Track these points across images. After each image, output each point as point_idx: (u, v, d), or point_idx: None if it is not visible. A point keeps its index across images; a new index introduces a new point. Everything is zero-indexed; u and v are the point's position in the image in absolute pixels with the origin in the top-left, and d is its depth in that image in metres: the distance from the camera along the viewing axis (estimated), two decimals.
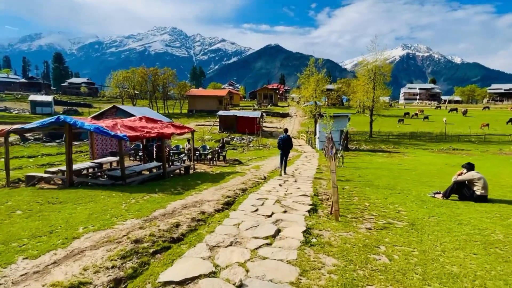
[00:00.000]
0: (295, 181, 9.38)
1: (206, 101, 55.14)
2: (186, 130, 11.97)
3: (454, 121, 47.79)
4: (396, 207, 5.95)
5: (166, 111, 59.49)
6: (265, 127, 43.66)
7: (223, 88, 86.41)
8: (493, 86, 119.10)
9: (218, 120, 39.21)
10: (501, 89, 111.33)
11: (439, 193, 6.86)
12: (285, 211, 5.53)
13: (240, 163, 16.03)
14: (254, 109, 54.55)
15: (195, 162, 15.08)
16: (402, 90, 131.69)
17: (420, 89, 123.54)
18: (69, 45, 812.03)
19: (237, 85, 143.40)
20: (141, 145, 15.90)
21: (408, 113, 56.17)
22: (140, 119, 11.90)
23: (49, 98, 50.81)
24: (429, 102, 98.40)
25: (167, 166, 12.29)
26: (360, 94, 36.75)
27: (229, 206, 6.14)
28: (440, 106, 75.88)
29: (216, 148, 16.21)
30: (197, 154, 15.34)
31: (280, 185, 8.52)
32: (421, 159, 19.49)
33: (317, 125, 28.46)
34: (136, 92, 75.55)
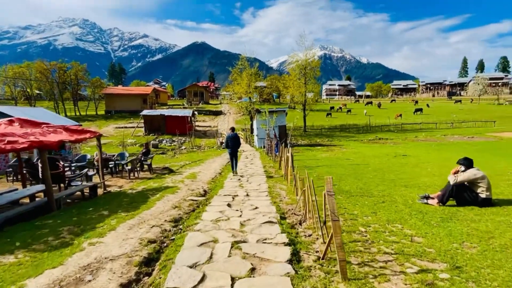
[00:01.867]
0: (247, 194, 7.12)
1: (127, 100, 48.49)
2: (88, 135, 8.49)
3: (372, 113, 52.42)
4: (402, 230, 4.21)
5: (78, 113, 50.45)
6: (198, 126, 40.36)
7: (148, 86, 78.65)
8: (395, 82, 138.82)
9: (142, 121, 34.30)
10: (401, 85, 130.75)
11: (430, 197, 5.48)
12: (252, 269, 3.17)
13: (170, 171, 13.00)
14: (184, 108, 50.42)
15: (110, 177, 11.48)
16: (324, 87, 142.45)
17: (339, 85, 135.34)
18: None
19: (164, 83, 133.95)
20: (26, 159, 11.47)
21: (333, 107, 59.69)
22: (11, 122, 7.98)
23: None
24: (348, 97, 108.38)
25: (62, 188, 8.66)
26: (292, 89, 36.67)
27: (151, 267, 3.50)
28: (358, 100, 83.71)
29: (138, 156, 12.82)
30: (111, 165, 11.74)
31: (228, 205, 6.12)
32: (361, 150, 19.48)
33: (254, 122, 26.85)
34: (38, 92, 62.18)
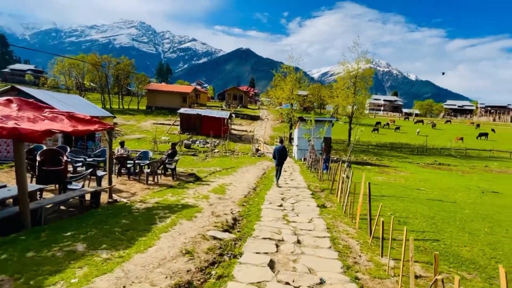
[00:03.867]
0: (298, 241, 4.62)
1: (168, 97, 48.71)
2: (96, 126, 6.64)
3: (426, 133, 46.86)
4: None
5: (121, 107, 51.93)
6: (234, 129, 38.73)
7: (189, 86, 79.86)
8: (448, 102, 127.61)
9: (179, 119, 33.46)
10: (455, 105, 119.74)
11: None
12: None
13: (197, 179, 10.95)
14: (222, 110, 49.38)
15: (126, 179, 9.69)
16: (368, 101, 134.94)
17: (384, 100, 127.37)
18: (21, 30, 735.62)
19: (206, 85, 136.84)
20: (44, 147, 10.17)
21: (379, 123, 54.80)
22: (8, 102, 6.40)
23: None
24: (394, 113, 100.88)
25: (57, 192, 6.92)
26: (340, 98, 33.44)
27: None
28: (408, 118, 76.94)
29: (162, 157, 10.97)
30: (130, 165, 9.97)
31: (271, 265, 3.68)
32: (426, 177, 15.92)
33: (296, 131, 24.26)
34: (93, 85, 65.52)
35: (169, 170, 10.77)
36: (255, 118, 50.32)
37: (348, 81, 33.63)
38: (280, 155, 10.64)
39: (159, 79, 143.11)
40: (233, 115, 41.62)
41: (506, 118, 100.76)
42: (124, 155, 10.47)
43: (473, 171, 22.13)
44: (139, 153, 11.49)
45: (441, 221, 6.32)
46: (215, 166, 16.21)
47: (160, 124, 39.01)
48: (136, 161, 10.00)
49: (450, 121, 77.93)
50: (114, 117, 19.74)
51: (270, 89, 34.92)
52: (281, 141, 11.40)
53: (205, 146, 26.91)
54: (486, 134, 44.77)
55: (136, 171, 9.93)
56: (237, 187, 10.10)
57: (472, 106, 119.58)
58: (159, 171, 10.16)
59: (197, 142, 28.10)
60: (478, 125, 61.01)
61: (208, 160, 19.92)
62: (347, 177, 9.60)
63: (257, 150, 25.65)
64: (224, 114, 32.87)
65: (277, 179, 10.76)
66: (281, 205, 7.11)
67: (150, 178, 9.47)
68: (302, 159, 21.97)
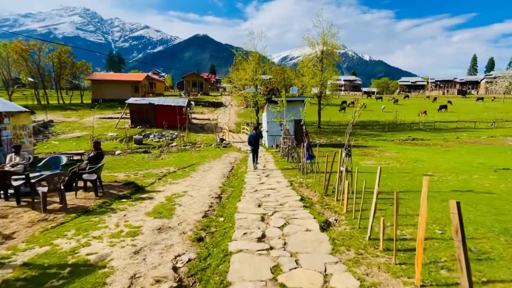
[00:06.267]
0: None
1: (116, 87, 42.84)
2: None
3: (390, 109, 46.98)
4: None
5: (61, 102, 44.85)
6: (195, 119, 34.89)
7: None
8: (403, 79, 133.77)
9: (128, 111, 28.85)
10: (409, 81, 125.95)
11: None
12: None
13: (136, 190, 7.64)
14: (181, 97, 44.86)
15: (14, 205, 6.06)
16: (329, 81, 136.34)
17: (344, 80, 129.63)
18: None
19: (163, 74, 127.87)
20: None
21: (345, 102, 54.28)
22: None
23: None
24: (355, 92, 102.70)
25: None
26: (307, 77, 31.05)
27: None
28: (370, 96, 78.06)
29: (81, 164, 7.42)
30: (18, 184, 6.32)
31: None
32: (414, 156, 14.07)
33: (264, 114, 21.39)
34: (32, 80, 55.23)
35: (88, 182, 7.26)
36: (218, 105, 46.61)
37: (315, 58, 31.29)
38: (255, 140, 11.54)
39: (111, 70, 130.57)
40: (193, 102, 37.64)
41: (453, 91, 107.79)
42: (15, 167, 6.76)
43: (452, 144, 21.20)
44: (44, 160, 7.77)
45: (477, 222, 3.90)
46: (170, 165, 12.83)
47: (108, 118, 33.87)
48: (29, 177, 6.35)
49: (408, 96, 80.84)
50: (33, 112, 15.19)
51: (232, 71, 31.41)
52: (255, 128, 12.47)
53: (161, 140, 23.04)
54: (445, 107, 45.92)
55: (30, 190, 6.31)
56: (194, 198, 6.99)
57: (424, 81, 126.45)
58: (72, 185, 6.65)
59: (151, 136, 24.08)
60: (435, 98, 63.31)
61: (163, 157, 16.36)
62: (347, 171, 6.96)
63: (222, 140, 22.47)
64: (182, 102, 28.90)
65: (255, 162, 11.52)
66: (262, 237, 4.17)
67: (55, 199, 5.98)
68: (274, 146, 19.29)
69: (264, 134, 21.05)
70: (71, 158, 11.79)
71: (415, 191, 6.72)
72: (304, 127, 11.14)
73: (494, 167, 10.07)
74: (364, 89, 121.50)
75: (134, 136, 21.57)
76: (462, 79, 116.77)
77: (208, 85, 67.94)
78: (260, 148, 17.22)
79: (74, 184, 6.98)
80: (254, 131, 11.93)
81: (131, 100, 28.77)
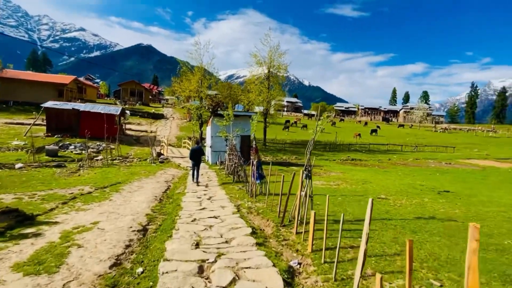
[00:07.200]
0: None
1: (35, 89, 36.40)
2: None
3: (329, 130, 49.68)
4: None
5: None
6: (130, 130, 31.30)
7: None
8: (338, 104, 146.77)
9: (44, 116, 24.22)
10: (343, 107, 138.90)
11: None
12: None
13: (21, 221, 5.29)
14: (115, 105, 40.33)
15: None
16: (272, 102, 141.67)
17: (287, 101, 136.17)
18: None
19: (98, 81, 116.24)
20: None
21: (289, 121, 56.01)
22: None
23: None
24: (297, 113, 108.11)
25: None
26: (254, 94, 30.64)
27: None
28: (311, 117, 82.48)
29: None
30: None
31: None
32: (360, 177, 14.04)
33: (208, 128, 19.76)
34: None
35: None
36: (158, 116, 43.24)
37: (262, 76, 31.22)
38: (197, 155, 11.16)
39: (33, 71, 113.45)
40: (128, 112, 33.95)
41: (379, 117, 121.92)
42: None
43: (387, 165, 22.47)
44: None
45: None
46: (86, 184, 10.23)
47: (18, 124, 28.21)
48: None
49: (343, 119, 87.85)
50: None
51: (175, 82, 29.24)
52: (197, 142, 12.65)
53: (83, 152, 19.46)
54: (376, 131, 50.55)
55: None
56: (105, 233, 5.03)
57: (355, 108, 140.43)
58: None
59: (71, 147, 20.24)
60: (366, 123, 69.84)
61: (81, 173, 13.39)
62: (309, 196, 5.85)
63: (160, 154, 20.01)
64: (114, 110, 25.48)
65: (196, 178, 11.02)
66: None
67: None
68: (218, 163, 17.73)
69: (208, 149, 19.35)
70: None
71: (379, 219, 5.92)
72: (254, 143, 9.95)
73: (436, 189, 10.25)
74: (305, 111, 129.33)
75: (46, 147, 17.66)
76: (385, 108, 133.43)
77: (149, 95, 63.45)
78: (203, 164, 15.60)
79: None
80: (196, 145, 11.89)
81: (49, 103, 24.26)
